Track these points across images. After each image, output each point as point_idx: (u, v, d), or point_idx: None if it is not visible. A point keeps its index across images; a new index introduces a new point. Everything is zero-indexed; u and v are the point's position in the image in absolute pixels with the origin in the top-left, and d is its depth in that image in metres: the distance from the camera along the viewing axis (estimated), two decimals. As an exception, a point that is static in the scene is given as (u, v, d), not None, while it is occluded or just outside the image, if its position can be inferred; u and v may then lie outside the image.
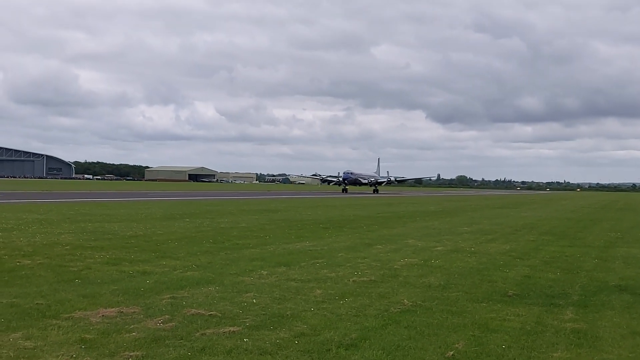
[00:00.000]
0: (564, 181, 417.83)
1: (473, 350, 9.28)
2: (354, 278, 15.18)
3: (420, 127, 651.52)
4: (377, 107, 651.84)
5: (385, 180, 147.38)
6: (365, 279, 15.16)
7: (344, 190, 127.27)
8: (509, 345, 9.58)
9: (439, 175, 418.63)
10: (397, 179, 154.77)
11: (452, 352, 9.08)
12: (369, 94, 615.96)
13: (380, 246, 22.54)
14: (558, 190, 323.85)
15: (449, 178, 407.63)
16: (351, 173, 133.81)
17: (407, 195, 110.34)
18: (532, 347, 9.59)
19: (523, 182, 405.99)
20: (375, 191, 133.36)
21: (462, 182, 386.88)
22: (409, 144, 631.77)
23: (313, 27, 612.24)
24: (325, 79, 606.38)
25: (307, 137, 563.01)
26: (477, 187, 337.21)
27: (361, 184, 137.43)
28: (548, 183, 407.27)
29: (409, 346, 9.34)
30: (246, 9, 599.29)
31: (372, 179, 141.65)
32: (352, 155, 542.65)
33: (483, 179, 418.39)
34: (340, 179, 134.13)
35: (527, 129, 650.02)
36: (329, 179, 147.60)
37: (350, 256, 19.40)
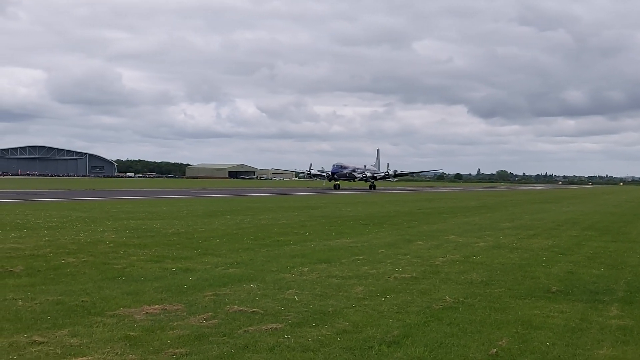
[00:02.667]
0: (607, 175, 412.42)
1: (517, 347, 9.20)
2: (395, 274, 15.14)
3: (461, 122, 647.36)
4: (418, 103, 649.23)
5: (383, 174, 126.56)
6: (406, 275, 15.11)
7: (336, 187, 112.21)
8: (553, 343, 9.48)
9: (479, 170, 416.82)
10: (397, 173, 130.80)
11: (495, 350, 9.01)
12: (410, 89, 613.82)
13: (420, 242, 22.45)
14: (600, 184, 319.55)
15: (489, 173, 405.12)
16: (341, 166, 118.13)
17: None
18: (577, 344, 9.48)
19: (565, 177, 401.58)
20: (372, 187, 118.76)
21: (503, 177, 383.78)
22: (449, 139, 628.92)
23: (355, 23, 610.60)
24: (366, 75, 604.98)
25: (347, 133, 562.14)
26: (517, 182, 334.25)
27: (355, 178, 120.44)
28: (590, 177, 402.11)
29: (451, 343, 9.29)
30: (287, 6, 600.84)
31: (368, 173, 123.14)
32: (392, 151, 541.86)
33: (524, 173, 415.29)
34: (329, 173, 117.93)
35: (570, 123, 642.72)
36: (318, 173, 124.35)
37: (391, 252, 19.36)
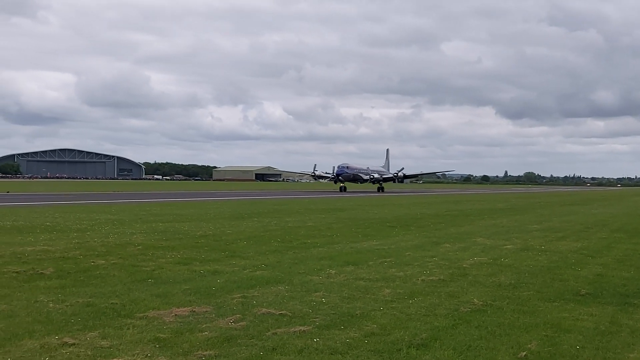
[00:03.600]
0: (636, 177, 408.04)
1: (546, 350, 9.15)
2: (423, 277, 15.11)
3: (489, 123, 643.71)
4: (446, 104, 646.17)
5: (392, 175, 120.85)
6: (434, 278, 15.08)
7: (342, 189, 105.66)
8: (582, 346, 9.41)
9: (506, 172, 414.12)
10: (407, 174, 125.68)
11: (524, 353, 8.96)
12: (438, 90, 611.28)
13: (448, 245, 22.38)
14: (629, 186, 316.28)
15: (517, 175, 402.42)
16: (347, 167, 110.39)
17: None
18: (607, 347, 9.41)
19: (593, 178, 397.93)
20: (380, 189, 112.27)
21: (530, 178, 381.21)
22: (477, 140, 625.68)
23: (383, 24, 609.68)
24: (394, 76, 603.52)
25: (374, 135, 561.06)
26: (545, 184, 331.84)
27: (362, 180, 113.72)
28: (619, 179, 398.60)
29: (480, 346, 9.26)
30: (315, 8, 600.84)
31: (376, 175, 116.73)
32: (419, 152, 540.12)
33: (552, 175, 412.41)
34: (334, 174, 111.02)
35: (600, 124, 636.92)
36: (324, 174, 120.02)
37: (418, 255, 19.32)
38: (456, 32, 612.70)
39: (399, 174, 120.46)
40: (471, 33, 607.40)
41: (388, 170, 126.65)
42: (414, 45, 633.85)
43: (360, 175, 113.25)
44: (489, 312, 11.57)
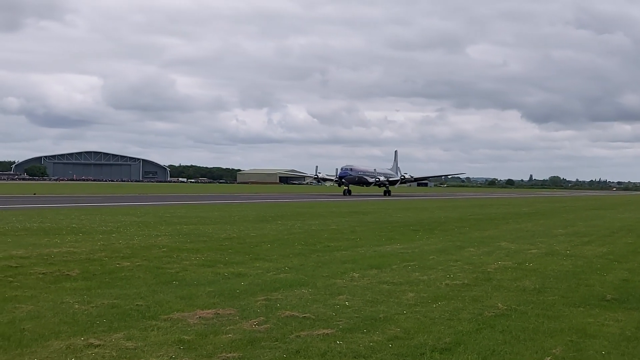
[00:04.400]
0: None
1: (571, 356, 9.10)
2: (447, 281, 15.07)
3: (514, 127, 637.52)
4: (471, 108, 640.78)
5: (399, 179, 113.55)
6: (457, 282, 15.04)
7: (346, 192, 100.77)
8: (608, 352, 9.34)
9: (531, 176, 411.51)
10: (415, 177, 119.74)
11: (549, 358, 8.92)
12: (463, 94, 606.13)
13: (472, 249, 22.29)
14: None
15: (542, 179, 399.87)
16: (351, 169, 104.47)
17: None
18: (633, 353, 9.33)
19: (619, 183, 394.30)
20: (387, 193, 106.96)
21: (556, 182, 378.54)
22: (502, 144, 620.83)
23: (409, 27, 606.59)
24: (419, 79, 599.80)
25: (398, 138, 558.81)
26: (570, 188, 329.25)
27: (367, 183, 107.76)
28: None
29: (504, 351, 9.22)
30: (340, 11, 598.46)
31: (382, 177, 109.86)
32: (444, 156, 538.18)
33: (577, 179, 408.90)
34: (337, 177, 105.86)
35: (627, 128, 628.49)
36: (327, 177, 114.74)
37: (442, 259, 19.26)
38: (482, 35, 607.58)
39: (406, 177, 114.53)
40: (497, 36, 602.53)
41: (397, 172, 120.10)
42: (439, 48, 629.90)
43: (366, 177, 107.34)
44: (513, 316, 11.52)
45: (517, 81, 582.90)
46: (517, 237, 27.68)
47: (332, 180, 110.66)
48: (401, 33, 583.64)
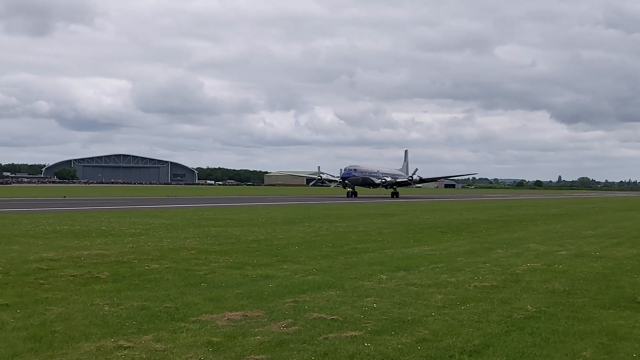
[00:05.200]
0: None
1: (601, 358, 9.01)
2: (475, 283, 14.99)
3: (543, 128, 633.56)
4: (499, 109, 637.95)
5: (406, 179, 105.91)
6: (486, 284, 14.95)
7: (351, 194, 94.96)
8: (639, 354, 9.24)
9: (559, 177, 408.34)
10: (423, 178, 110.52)
11: (579, 360, 8.85)
12: (491, 95, 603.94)
13: (500, 250, 22.16)
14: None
15: (571, 180, 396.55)
16: (355, 170, 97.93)
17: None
18: (665, 356, 9.22)
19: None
20: (395, 195, 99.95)
21: (584, 183, 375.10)
22: (530, 145, 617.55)
23: (437, 28, 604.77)
24: (447, 80, 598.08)
25: (426, 140, 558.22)
26: (599, 189, 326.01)
27: (374, 184, 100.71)
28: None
29: (534, 353, 9.16)
30: (367, 13, 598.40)
31: (389, 178, 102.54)
32: (471, 157, 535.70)
33: (606, 180, 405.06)
34: (340, 178, 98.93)
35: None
36: (331, 178, 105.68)
37: (470, 261, 19.17)
38: (510, 35, 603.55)
39: (414, 177, 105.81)
40: (525, 37, 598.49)
41: (407, 173, 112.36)
42: (467, 49, 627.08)
43: (371, 178, 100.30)
44: (542, 318, 11.43)
45: (546, 82, 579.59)
46: (546, 238, 27.47)
47: (336, 181, 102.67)
48: (428, 34, 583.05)
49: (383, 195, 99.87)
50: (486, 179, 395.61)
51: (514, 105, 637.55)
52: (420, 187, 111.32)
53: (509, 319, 11.36)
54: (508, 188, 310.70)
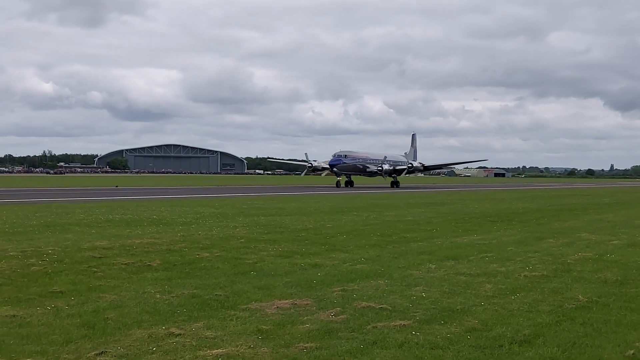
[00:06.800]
0: None
1: (655, 349, 8.87)
2: (525, 273, 14.84)
3: (596, 115, 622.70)
4: (551, 96, 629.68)
5: (405, 167, 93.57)
6: (536, 273, 14.79)
7: (340, 184, 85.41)
8: (694, 345, 9.07)
9: (612, 166, 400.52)
10: (427, 166, 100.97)
11: (632, 351, 8.70)
12: (543, 82, 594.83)
13: (551, 240, 21.89)
14: None
15: (623, 169, 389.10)
16: (345, 156, 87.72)
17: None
18: None
19: None
20: (394, 184, 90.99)
21: (638, 172, 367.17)
22: (583, 133, 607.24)
23: (489, 15, 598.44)
24: (498, 68, 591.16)
25: (476, 128, 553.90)
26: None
27: (370, 172, 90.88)
28: None
29: (585, 344, 9.05)
30: (418, 1, 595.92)
31: (387, 166, 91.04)
32: (522, 146, 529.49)
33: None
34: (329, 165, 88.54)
35: None
36: (323, 166, 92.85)
37: (520, 250, 18.98)
38: (564, 22, 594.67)
39: (415, 165, 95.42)
40: (580, 23, 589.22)
41: (415, 159, 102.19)
42: (520, 36, 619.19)
43: (366, 165, 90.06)
44: (594, 309, 11.28)
45: (600, 68, 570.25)
46: (598, 227, 27.05)
47: (328, 169, 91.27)
48: (480, 21, 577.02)
49: (379, 185, 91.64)
50: (536, 168, 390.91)
51: (567, 92, 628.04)
52: (469, 176, 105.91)
53: (560, 308, 11.23)
54: (559, 177, 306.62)
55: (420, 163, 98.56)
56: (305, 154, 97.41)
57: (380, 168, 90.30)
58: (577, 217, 33.77)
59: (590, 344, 9.03)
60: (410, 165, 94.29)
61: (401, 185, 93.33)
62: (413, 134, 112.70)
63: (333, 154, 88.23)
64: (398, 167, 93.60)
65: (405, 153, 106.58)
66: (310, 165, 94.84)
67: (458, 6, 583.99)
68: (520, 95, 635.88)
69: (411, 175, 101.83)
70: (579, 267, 15.86)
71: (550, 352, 8.63)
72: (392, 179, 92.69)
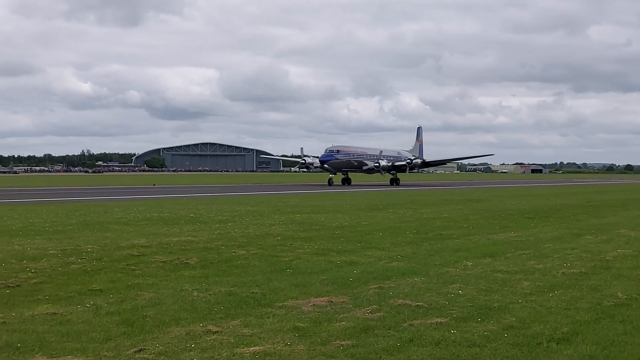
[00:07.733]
0: None
1: (696, 347, 8.74)
2: (563, 270, 14.71)
3: (636, 110, 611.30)
4: (590, 91, 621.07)
5: (405, 163, 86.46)
6: (574, 270, 14.65)
7: (333, 182, 77.52)
8: None
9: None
10: (427, 162, 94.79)
11: (672, 349, 8.60)
12: (582, 77, 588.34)
13: (590, 236, 21.66)
14: None
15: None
16: (337, 151, 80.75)
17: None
18: None
19: None
20: (394, 182, 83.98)
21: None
22: (622, 128, 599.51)
23: (527, 10, 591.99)
24: (537, 63, 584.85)
25: (513, 124, 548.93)
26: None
27: (367, 169, 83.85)
28: None
29: (624, 341, 8.95)
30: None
31: (384, 162, 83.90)
32: (560, 141, 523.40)
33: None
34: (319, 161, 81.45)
35: None
36: (316, 162, 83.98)
37: (558, 247, 18.81)
38: (603, 15, 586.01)
39: (414, 160, 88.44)
40: (619, 16, 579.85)
41: (420, 154, 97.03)
42: (558, 30, 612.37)
43: (363, 161, 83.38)
44: (634, 306, 11.15)
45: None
46: (638, 224, 26.69)
47: (319, 166, 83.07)
48: (518, 16, 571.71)
49: (376, 183, 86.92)
50: (574, 164, 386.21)
51: (606, 87, 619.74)
52: (506, 172, 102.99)
53: (599, 306, 11.12)
54: (597, 172, 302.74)
55: (422, 159, 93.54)
56: (301, 148, 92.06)
57: (377, 164, 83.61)
58: (616, 213, 33.37)
59: (630, 342, 8.93)
60: (409, 161, 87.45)
61: (392, 182, 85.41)
62: (418, 127, 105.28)
63: (326, 149, 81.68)
64: (397, 163, 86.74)
65: (411, 148, 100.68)
66: (303, 161, 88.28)
67: (495, 0, 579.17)
68: (558, 90, 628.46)
69: (412, 171, 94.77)
70: (618, 264, 15.67)
71: (588, 350, 8.55)
72: (391, 176, 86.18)
